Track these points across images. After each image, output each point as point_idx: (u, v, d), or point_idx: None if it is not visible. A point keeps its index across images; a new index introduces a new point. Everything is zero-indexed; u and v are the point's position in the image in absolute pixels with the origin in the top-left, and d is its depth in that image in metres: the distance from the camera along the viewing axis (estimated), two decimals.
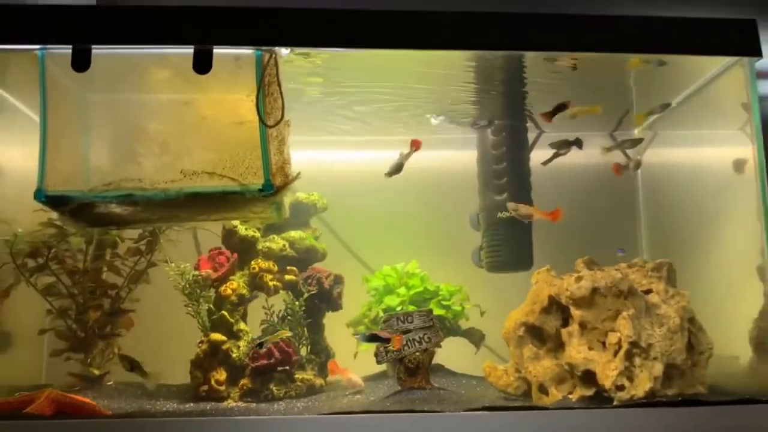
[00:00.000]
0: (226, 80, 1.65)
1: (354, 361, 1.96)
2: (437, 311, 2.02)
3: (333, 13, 1.64)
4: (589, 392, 1.60)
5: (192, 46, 1.59)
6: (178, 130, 1.70)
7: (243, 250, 2.01)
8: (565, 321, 1.71)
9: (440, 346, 1.84)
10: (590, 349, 1.62)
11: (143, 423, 1.53)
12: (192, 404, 1.75)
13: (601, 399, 1.58)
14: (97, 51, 1.59)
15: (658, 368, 1.54)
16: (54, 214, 1.74)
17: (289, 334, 1.83)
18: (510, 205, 1.99)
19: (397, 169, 1.97)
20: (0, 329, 1.91)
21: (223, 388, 1.81)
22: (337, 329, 2.02)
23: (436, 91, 2.05)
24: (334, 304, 2.05)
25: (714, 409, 1.52)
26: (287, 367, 1.85)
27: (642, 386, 1.53)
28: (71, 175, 1.64)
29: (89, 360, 1.90)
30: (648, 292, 1.70)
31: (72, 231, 1.87)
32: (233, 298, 1.91)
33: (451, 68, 1.89)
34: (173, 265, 1.92)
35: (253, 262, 1.98)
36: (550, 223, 2.15)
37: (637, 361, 1.56)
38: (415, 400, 1.67)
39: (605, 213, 2.37)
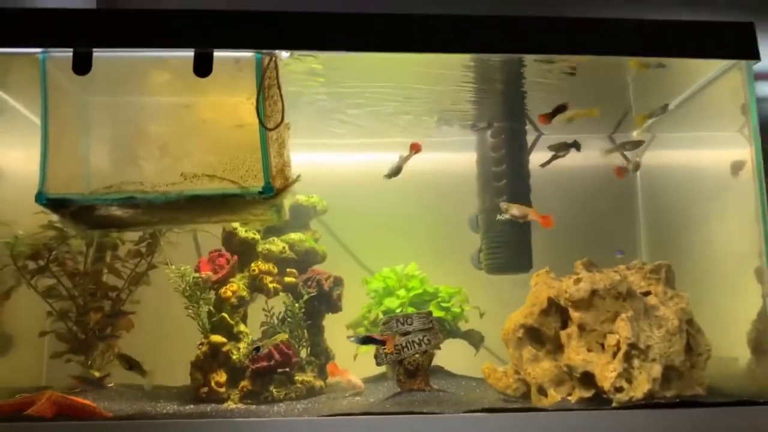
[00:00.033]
0: (226, 83, 1.66)
1: (354, 363, 1.97)
2: (437, 313, 2.03)
3: (332, 17, 1.64)
4: (588, 394, 1.61)
5: (192, 50, 1.59)
6: (179, 133, 1.71)
7: (243, 252, 2.02)
8: (564, 323, 1.71)
9: (440, 348, 1.84)
10: (589, 350, 1.62)
11: (143, 425, 1.53)
12: (192, 406, 1.75)
13: (600, 400, 1.59)
14: (98, 54, 1.60)
15: (657, 370, 1.55)
16: (55, 217, 1.74)
17: (284, 338, 1.83)
18: (502, 204, 2.00)
19: (396, 171, 1.97)
20: (1, 331, 1.91)
21: (223, 389, 1.81)
22: (336, 331, 2.02)
23: (435, 93, 2.06)
24: (334, 306, 2.06)
25: (712, 410, 1.53)
26: (287, 369, 1.85)
27: (641, 388, 1.53)
28: (72, 178, 1.65)
29: (90, 362, 1.91)
30: (647, 294, 1.71)
31: (72, 233, 1.88)
32: (233, 300, 1.91)
33: (450, 71, 1.89)
34: (173, 267, 1.92)
35: (253, 264, 1.99)
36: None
37: (636, 362, 1.56)
38: (415, 402, 1.68)
39: (604, 215, 2.38)
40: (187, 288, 1.90)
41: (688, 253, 2.01)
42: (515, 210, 1.94)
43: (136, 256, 1.99)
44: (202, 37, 1.60)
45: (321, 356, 2.00)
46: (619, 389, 1.54)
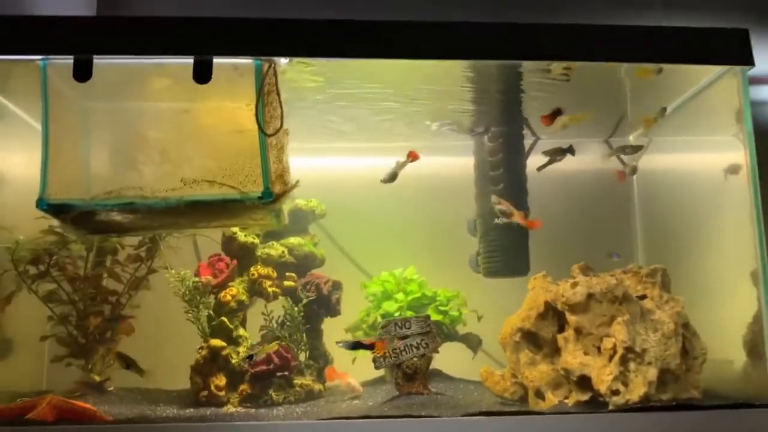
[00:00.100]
0: (226, 89, 1.67)
1: (352, 366, 1.98)
2: (435, 317, 2.04)
3: (330, 24, 1.65)
4: (585, 397, 1.62)
5: (192, 56, 1.60)
6: (179, 139, 1.72)
7: (242, 256, 2.03)
8: (561, 326, 1.72)
9: (438, 352, 1.85)
10: (586, 354, 1.64)
11: (144, 428, 1.55)
12: (192, 410, 1.76)
13: (596, 404, 1.60)
14: (99, 61, 1.61)
15: (653, 373, 1.56)
16: (55, 222, 1.75)
17: (276, 348, 1.84)
18: (493, 197, 2.01)
19: (392, 177, 1.99)
20: (1, 336, 1.92)
21: (222, 393, 1.82)
22: (335, 335, 2.03)
23: (433, 98, 2.07)
24: (333, 310, 2.07)
25: (708, 413, 1.55)
26: (286, 373, 1.86)
27: (637, 391, 1.55)
28: (72, 184, 1.66)
29: (90, 366, 1.91)
30: (643, 297, 1.72)
31: (73, 238, 1.88)
32: (233, 304, 1.92)
33: (449, 76, 1.90)
34: (173, 271, 1.93)
35: (252, 269, 2.00)
36: (547, 229, 2.18)
37: (632, 366, 1.57)
38: (413, 405, 1.69)
39: (601, 219, 2.39)
40: (187, 292, 1.91)
41: (684, 257, 2.02)
42: (504, 207, 1.96)
43: (136, 260, 1.99)
44: (202, 44, 1.61)
45: (320, 360, 2.01)
46: (616, 392, 1.55)
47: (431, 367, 1.87)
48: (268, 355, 1.84)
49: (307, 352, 1.99)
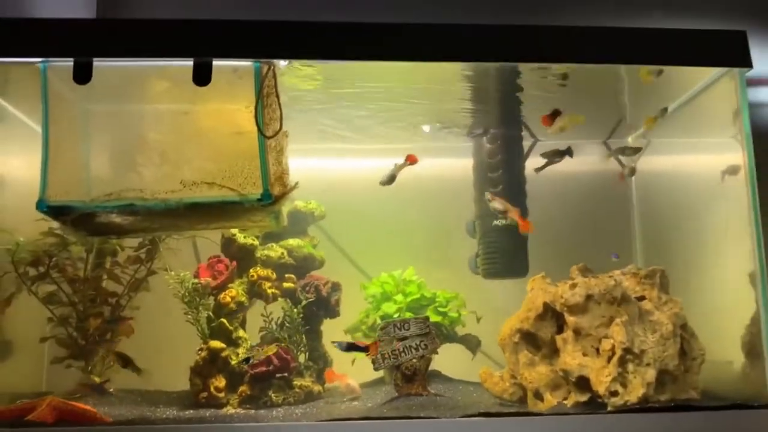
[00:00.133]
0: (225, 91, 1.67)
1: (352, 368, 1.98)
2: (434, 318, 2.04)
3: (330, 26, 1.66)
4: (584, 398, 1.62)
5: (191, 59, 1.61)
6: (178, 141, 1.72)
7: (242, 258, 2.03)
8: (560, 328, 1.73)
9: (437, 353, 1.85)
10: (584, 355, 1.64)
11: (143, 430, 1.56)
12: (192, 411, 1.76)
13: (595, 405, 1.60)
14: (98, 63, 1.62)
15: (651, 374, 1.56)
16: (55, 224, 1.76)
17: (274, 351, 1.84)
18: (487, 194, 2.01)
19: (391, 179, 2.00)
20: (1, 337, 1.93)
21: (222, 394, 1.82)
22: (335, 336, 2.03)
23: (433, 100, 2.08)
24: (332, 312, 2.07)
25: (706, 414, 1.55)
26: (285, 374, 1.86)
27: (635, 392, 1.55)
28: (72, 186, 1.66)
29: (90, 367, 1.92)
30: (641, 298, 1.72)
31: (73, 240, 1.88)
32: (232, 305, 1.93)
33: (448, 78, 1.91)
34: (173, 273, 1.93)
35: (251, 270, 2.00)
36: (546, 230, 2.19)
37: (631, 367, 1.58)
38: (412, 407, 1.69)
39: (600, 220, 2.39)
40: (187, 294, 1.91)
41: (683, 258, 2.03)
42: (498, 204, 1.96)
43: (136, 262, 1.99)
44: (201, 46, 1.62)
45: (319, 361, 2.01)
46: (614, 393, 1.56)
47: (430, 368, 1.87)
48: (268, 357, 1.84)
49: (307, 354, 2.00)
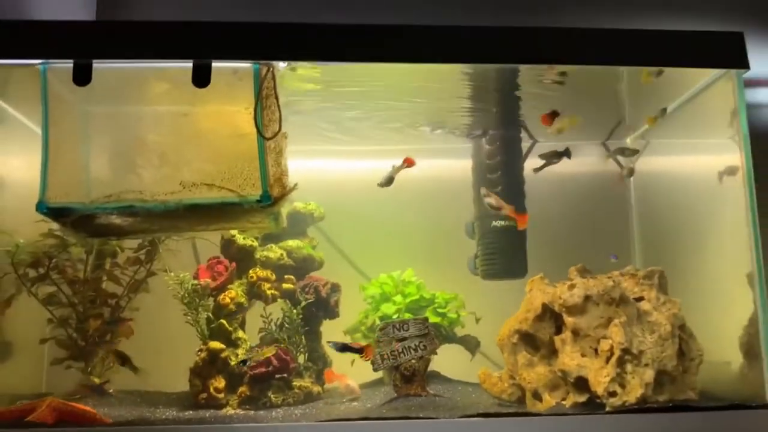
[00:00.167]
0: (225, 93, 1.68)
1: (351, 368, 1.98)
2: (433, 319, 2.04)
3: (329, 28, 1.66)
4: (582, 398, 1.63)
5: (191, 61, 1.61)
6: (178, 143, 1.72)
7: (241, 259, 2.03)
8: (559, 328, 1.73)
9: (436, 354, 1.86)
10: (583, 356, 1.64)
11: (143, 431, 1.56)
12: (191, 412, 1.76)
13: (593, 405, 1.61)
14: (98, 65, 1.62)
15: (650, 374, 1.57)
16: (55, 225, 1.76)
17: (273, 352, 1.84)
18: (482, 190, 2.02)
19: (389, 181, 2.00)
20: (1, 338, 1.93)
21: (221, 395, 1.83)
22: (334, 337, 2.03)
23: (432, 101, 2.08)
24: (331, 312, 2.07)
25: (705, 414, 1.56)
26: (285, 375, 1.87)
27: (634, 392, 1.56)
28: (72, 187, 1.66)
29: (89, 369, 1.92)
30: (640, 299, 1.73)
31: (73, 241, 1.89)
32: (231, 306, 1.93)
33: (447, 80, 1.92)
34: (172, 274, 1.94)
35: (251, 271, 2.01)
36: (544, 231, 2.20)
37: (629, 367, 1.58)
38: (411, 407, 1.69)
39: (598, 221, 2.40)
40: (186, 295, 1.92)
41: (681, 259, 2.04)
42: (493, 200, 1.97)
43: (136, 263, 2.00)
44: (201, 48, 1.62)
45: (318, 362, 2.02)
46: (613, 394, 1.56)
47: (429, 368, 1.87)
48: (267, 358, 1.85)
49: (306, 354, 2.00)
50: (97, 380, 1.91)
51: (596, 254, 2.09)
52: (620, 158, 2.37)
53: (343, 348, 1.81)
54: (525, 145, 2.27)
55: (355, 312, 2.16)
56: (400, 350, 1.80)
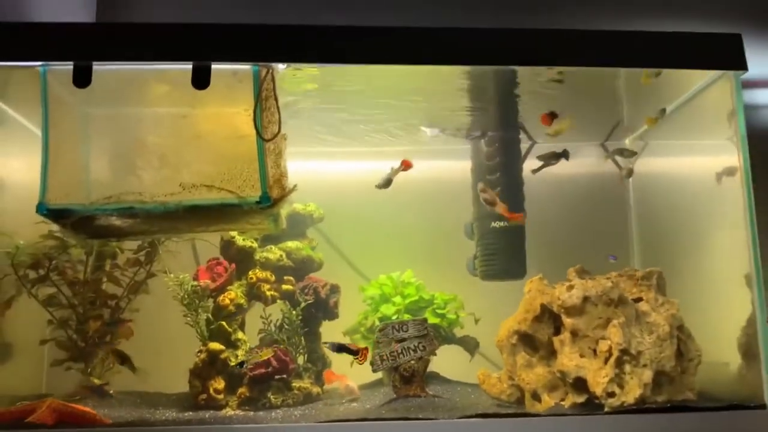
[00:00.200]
0: (224, 95, 1.68)
1: (350, 369, 1.99)
2: (432, 320, 2.05)
3: (328, 29, 1.67)
4: (581, 399, 1.63)
5: (191, 62, 1.62)
6: (177, 144, 1.73)
7: (241, 260, 2.04)
8: (557, 329, 1.74)
9: (435, 354, 1.87)
10: (581, 356, 1.65)
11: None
12: (191, 413, 1.77)
13: (592, 406, 1.61)
14: (98, 67, 1.62)
15: (648, 375, 1.57)
16: (55, 226, 1.76)
17: (271, 354, 1.85)
18: (479, 184, 2.02)
19: (387, 183, 2.01)
20: (2, 340, 1.93)
21: (221, 396, 1.83)
22: (333, 338, 2.04)
23: (431, 103, 2.09)
24: (331, 313, 2.08)
25: (703, 414, 1.56)
26: (284, 376, 1.87)
27: (632, 393, 1.56)
28: (72, 189, 1.66)
29: (89, 370, 1.92)
30: (638, 300, 1.73)
31: (72, 243, 1.89)
32: (231, 307, 1.93)
33: (446, 81, 1.92)
34: (172, 275, 1.94)
35: (250, 272, 2.01)
36: (543, 232, 2.21)
37: (627, 368, 1.59)
38: (411, 408, 1.70)
39: (597, 222, 2.40)
40: (186, 296, 1.92)
41: (679, 260, 2.04)
42: (487, 195, 1.98)
43: (135, 264, 2.00)
44: (200, 50, 1.63)
45: (318, 363, 2.02)
46: (611, 394, 1.57)
47: (428, 369, 1.88)
48: (267, 359, 1.85)
49: (306, 356, 2.00)
50: (97, 381, 1.91)
51: (595, 255, 2.09)
52: (619, 159, 2.38)
53: (340, 348, 1.82)
54: (524, 146, 2.28)
55: (354, 313, 2.16)
56: (400, 351, 1.80)
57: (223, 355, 1.86)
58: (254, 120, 1.62)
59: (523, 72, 1.87)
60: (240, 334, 1.94)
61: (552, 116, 2.01)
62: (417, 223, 2.35)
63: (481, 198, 1.99)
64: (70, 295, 1.93)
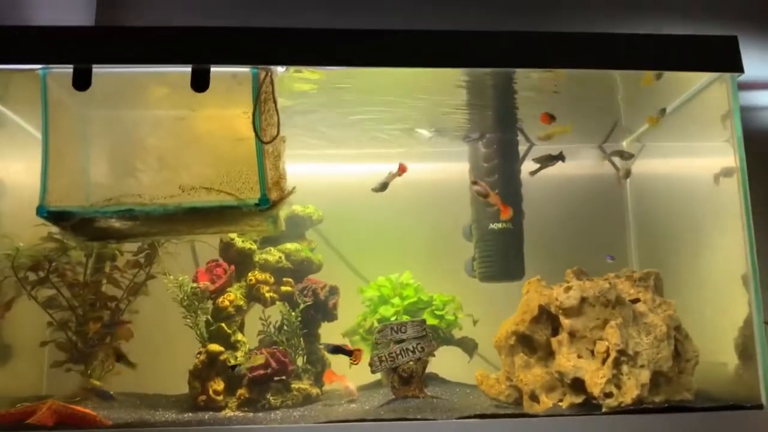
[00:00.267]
0: (223, 97, 1.69)
1: (350, 370, 1.99)
2: (431, 321, 2.06)
3: (327, 32, 1.68)
4: (579, 400, 1.63)
5: (190, 65, 1.63)
6: (177, 146, 1.74)
7: (240, 262, 2.04)
8: (555, 330, 1.74)
9: (434, 355, 1.87)
10: (579, 357, 1.65)
11: None
12: (191, 414, 1.77)
13: (590, 406, 1.62)
14: (97, 70, 1.63)
15: (645, 375, 1.58)
16: (55, 229, 1.77)
17: (262, 361, 1.85)
18: (472, 177, 2.03)
19: (383, 186, 2.01)
20: (2, 341, 1.94)
21: (221, 398, 1.83)
22: (332, 339, 2.04)
23: (429, 105, 2.09)
24: (330, 315, 2.08)
25: (700, 415, 1.57)
26: (284, 377, 1.88)
27: (630, 393, 1.57)
28: (72, 191, 1.67)
29: (89, 371, 1.93)
30: (635, 301, 1.74)
31: (72, 245, 1.90)
32: (230, 309, 1.94)
33: (444, 84, 1.93)
34: (171, 277, 1.95)
35: (249, 274, 2.01)
36: (541, 234, 2.21)
37: (625, 368, 1.59)
38: (409, 409, 1.70)
39: (595, 223, 2.41)
40: (185, 298, 1.92)
41: (677, 261, 2.05)
42: (480, 188, 1.99)
43: (135, 266, 2.01)
44: (199, 53, 1.63)
45: (317, 364, 2.02)
46: (609, 395, 1.57)
47: (427, 370, 1.88)
48: (266, 360, 1.86)
49: (305, 357, 2.01)
50: (97, 383, 1.92)
51: (593, 256, 2.10)
52: (616, 160, 2.38)
53: (335, 350, 1.83)
54: (522, 148, 2.29)
55: (353, 314, 2.17)
56: (398, 352, 1.81)
57: (222, 357, 1.87)
58: (253, 122, 1.63)
59: (520, 74, 1.87)
60: (239, 336, 1.94)
61: (552, 117, 2.02)
62: (416, 224, 2.36)
63: (474, 190, 2.00)
64: (69, 297, 1.94)
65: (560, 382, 1.68)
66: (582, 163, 2.39)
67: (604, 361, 1.61)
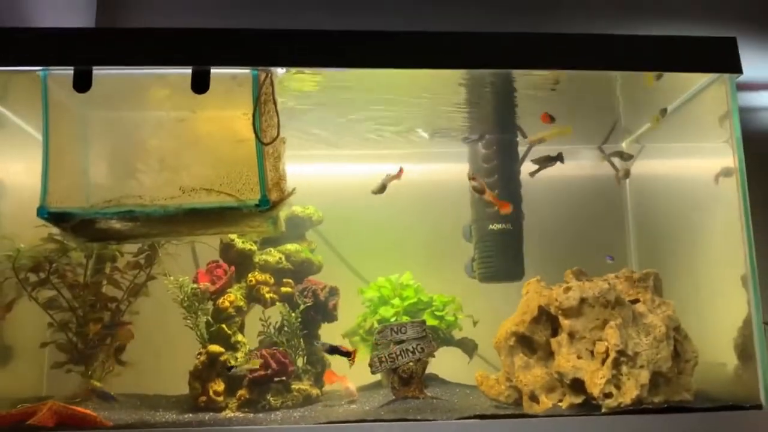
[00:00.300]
0: (223, 99, 1.69)
1: (349, 371, 1.99)
2: (431, 321, 2.06)
3: (327, 34, 1.68)
4: (578, 400, 1.64)
5: (190, 67, 1.63)
6: (177, 148, 1.74)
7: (240, 263, 2.04)
8: (555, 331, 1.74)
9: (434, 356, 1.87)
10: (579, 357, 1.66)
11: None
12: (191, 415, 1.77)
13: (589, 406, 1.62)
14: (98, 71, 1.64)
15: (645, 376, 1.58)
16: (55, 230, 1.77)
17: (257, 366, 1.85)
18: (469, 172, 2.04)
19: (382, 188, 2.01)
20: (2, 342, 1.94)
21: (221, 398, 1.84)
22: (332, 340, 2.05)
23: (429, 106, 2.10)
24: (330, 316, 2.09)
25: (700, 415, 1.57)
26: (284, 378, 1.88)
27: (629, 394, 1.57)
28: (72, 192, 1.68)
29: (90, 372, 1.93)
30: (635, 301, 1.74)
31: (73, 246, 1.90)
32: (231, 310, 1.94)
33: (444, 85, 1.93)
34: (172, 278, 1.95)
35: (250, 275, 2.02)
36: (541, 234, 2.22)
37: (624, 369, 1.59)
38: (409, 409, 1.70)
39: (594, 224, 2.41)
40: (186, 299, 1.92)
41: (676, 261, 2.05)
42: (476, 183, 1.99)
43: (135, 267, 2.01)
44: (199, 54, 1.64)
45: (317, 365, 2.03)
46: (608, 395, 1.58)
47: (427, 371, 1.88)
48: (266, 361, 1.86)
49: (305, 358, 2.01)
50: (97, 384, 1.92)
51: (592, 257, 2.11)
52: (616, 161, 2.39)
53: (332, 350, 1.83)
54: (522, 148, 2.29)
55: (353, 315, 2.17)
56: (398, 353, 1.81)
57: (222, 358, 1.87)
58: (253, 124, 1.63)
59: (520, 74, 1.87)
60: (239, 337, 1.94)
61: (552, 117, 2.03)
62: (415, 225, 2.36)
63: (471, 185, 2.00)
64: (70, 298, 1.94)
65: (560, 383, 1.68)
66: (582, 164, 2.39)
67: (603, 362, 1.61)
